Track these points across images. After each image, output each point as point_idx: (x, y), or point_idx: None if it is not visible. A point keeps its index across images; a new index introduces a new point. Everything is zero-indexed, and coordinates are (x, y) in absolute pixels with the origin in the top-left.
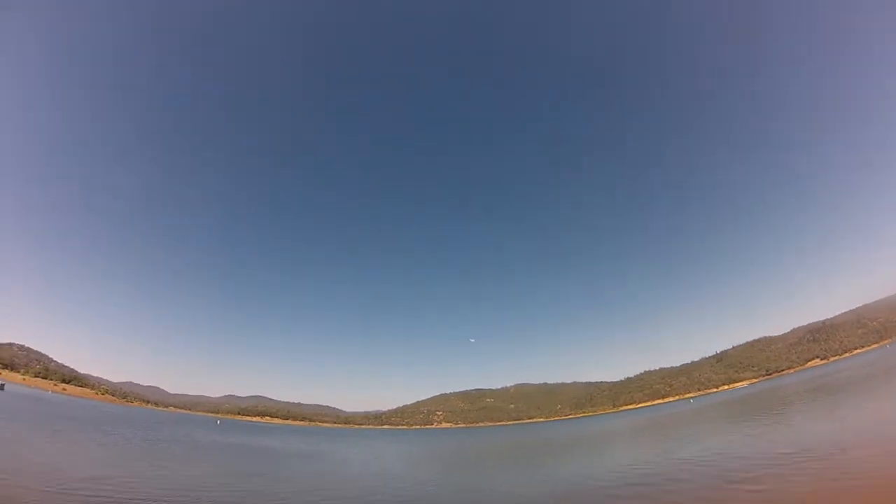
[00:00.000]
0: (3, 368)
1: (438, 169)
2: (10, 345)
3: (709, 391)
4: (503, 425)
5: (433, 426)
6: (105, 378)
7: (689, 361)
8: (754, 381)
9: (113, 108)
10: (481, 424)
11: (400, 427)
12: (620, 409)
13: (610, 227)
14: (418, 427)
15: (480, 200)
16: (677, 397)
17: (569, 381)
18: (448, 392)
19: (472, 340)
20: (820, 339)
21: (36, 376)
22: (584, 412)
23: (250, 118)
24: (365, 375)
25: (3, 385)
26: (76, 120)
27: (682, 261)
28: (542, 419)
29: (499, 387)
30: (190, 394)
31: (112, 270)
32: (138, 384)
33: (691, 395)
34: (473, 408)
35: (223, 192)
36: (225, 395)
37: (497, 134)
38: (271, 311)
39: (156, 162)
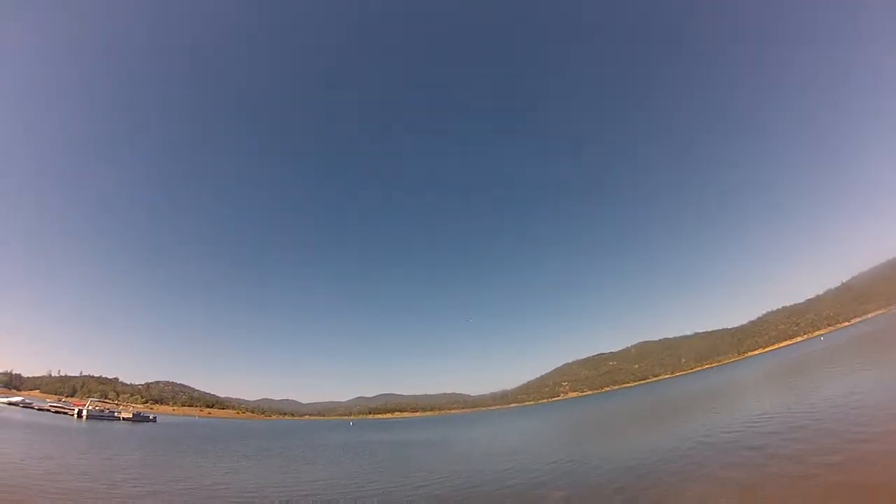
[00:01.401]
0: (154, 403)
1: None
2: (157, 382)
3: (840, 325)
4: (629, 387)
5: (560, 398)
6: (243, 398)
7: (814, 296)
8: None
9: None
10: (607, 389)
11: (527, 403)
12: (746, 355)
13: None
14: (545, 401)
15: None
16: (805, 336)
17: (689, 333)
18: (570, 361)
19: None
20: None
21: (183, 405)
22: (709, 363)
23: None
24: (488, 357)
25: (155, 418)
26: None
27: (791, 187)
28: (667, 376)
29: (620, 348)
30: (322, 401)
31: (232, 301)
32: (273, 399)
33: (821, 332)
34: (597, 373)
35: (317, 197)
36: (355, 398)
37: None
38: (389, 308)
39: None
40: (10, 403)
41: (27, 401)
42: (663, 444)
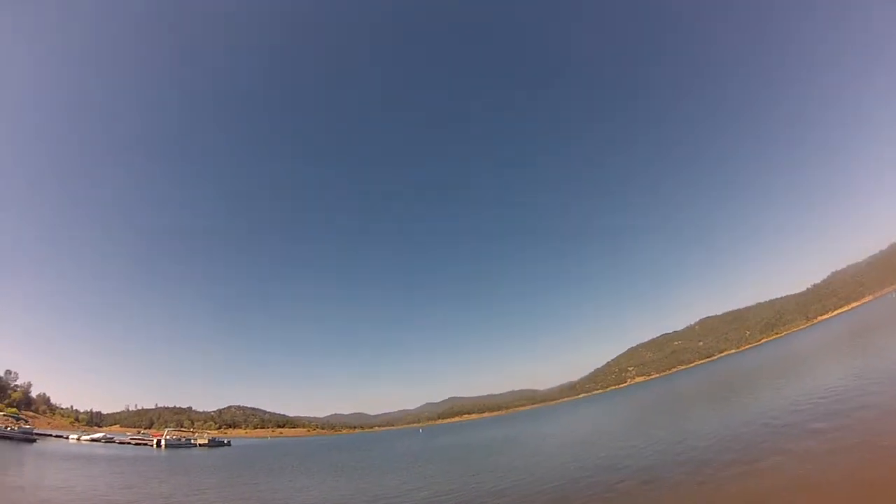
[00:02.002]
0: (228, 428)
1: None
2: (229, 407)
3: None
4: (695, 366)
5: (627, 384)
6: (313, 416)
7: (878, 251)
8: None
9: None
10: (674, 370)
11: (595, 392)
12: (815, 321)
13: None
14: (613, 388)
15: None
16: (872, 296)
17: (752, 304)
18: (636, 344)
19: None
20: None
21: (255, 428)
22: (775, 333)
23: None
24: (553, 349)
25: (229, 442)
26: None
27: (840, 146)
28: (732, 350)
29: (683, 326)
30: (390, 411)
31: (297, 321)
32: (342, 414)
33: (891, 289)
34: (662, 355)
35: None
36: (422, 405)
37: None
38: (449, 311)
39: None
40: (92, 440)
41: (108, 436)
42: (727, 430)
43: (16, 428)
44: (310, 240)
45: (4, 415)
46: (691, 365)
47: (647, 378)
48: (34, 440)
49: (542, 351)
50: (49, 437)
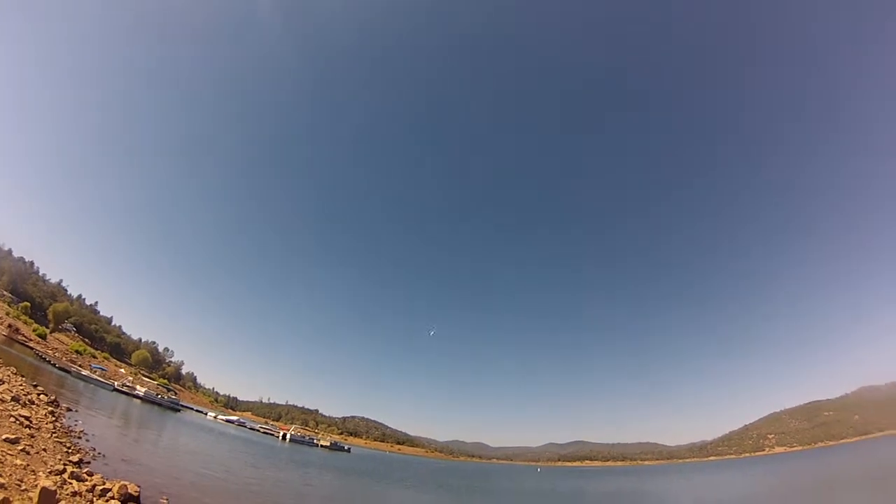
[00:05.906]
0: (349, 435)
1: None
2: (353, 417)
3: None
4: (845, 443)
5: (764, 452)
6: (433, 438)
7: None
8: None
9: None
10: (821, 445)
11: (727, 457)
12: None
13: None
14: (748, 455)
15: None
16: None
17: None
18: (779, 410)
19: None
20: None
21: (375, 440)
22: None
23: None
24: (686, 402)
25: (349, 448)
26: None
27: None
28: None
29: (837, 395)
30: (511, 446)
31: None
32: (463, 441)
33: None
34: (810, 426)
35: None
36: (545, 444)
37: None
38: (584, 352)
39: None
40: (227, 421)
41: (241, 420)
42: None
43: (165, 397)
44: (460, 287)
45: (158, 384)
46: (842, 441)
47: (789, 449)
48: (178, 410)
49: (675, 402)
50: (190, 410)
